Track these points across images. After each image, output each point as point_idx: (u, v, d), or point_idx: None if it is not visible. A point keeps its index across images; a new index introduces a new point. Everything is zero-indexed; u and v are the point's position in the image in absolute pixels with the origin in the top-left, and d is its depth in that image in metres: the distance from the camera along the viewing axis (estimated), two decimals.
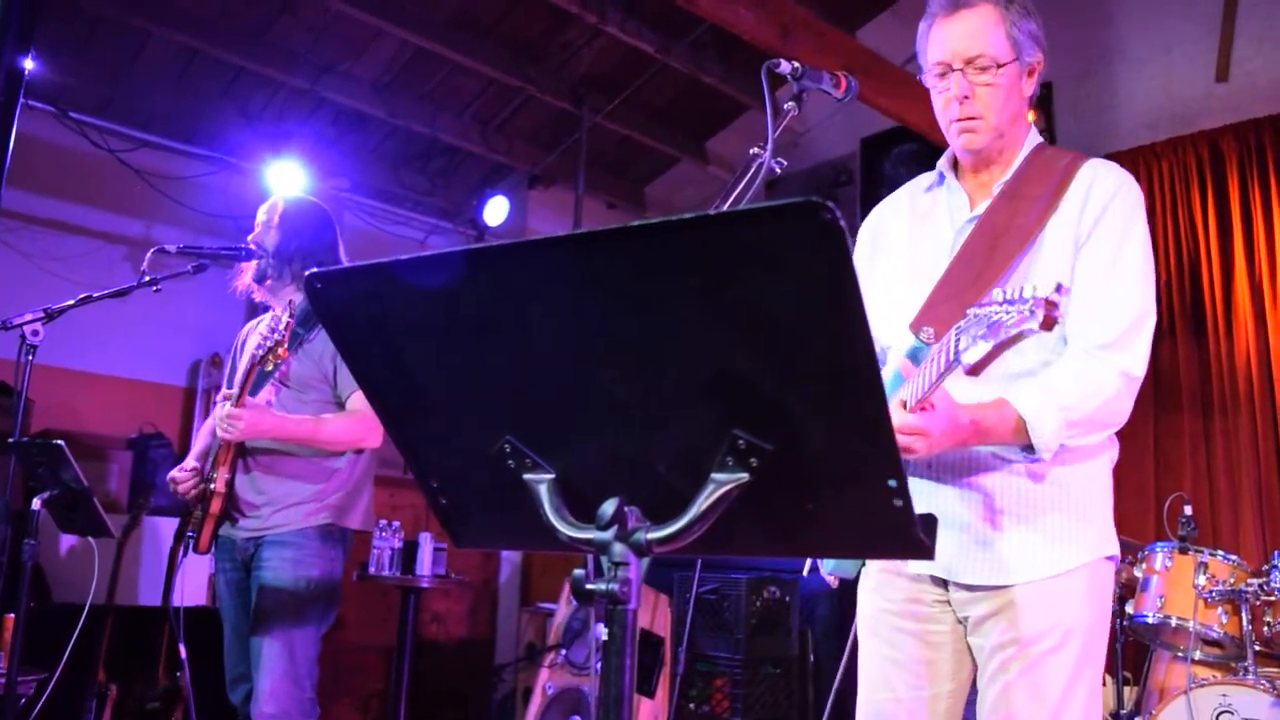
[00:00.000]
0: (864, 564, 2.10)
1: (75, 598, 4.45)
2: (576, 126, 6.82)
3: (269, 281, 3.32)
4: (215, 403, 3.14)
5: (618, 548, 1.07)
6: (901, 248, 2.15)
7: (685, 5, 4.66)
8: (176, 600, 3.39)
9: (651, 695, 4.74)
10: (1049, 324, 1.49)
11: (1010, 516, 1.91)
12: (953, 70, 1.98)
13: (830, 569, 2.15)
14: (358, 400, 3.16)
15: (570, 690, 4.90)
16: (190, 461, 3.24)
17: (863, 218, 2.31)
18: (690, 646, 4.74)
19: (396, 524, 5.16)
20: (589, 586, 1.07)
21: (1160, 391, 5.15)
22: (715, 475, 1.07)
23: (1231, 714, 3.43)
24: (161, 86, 6.13)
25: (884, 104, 5.32)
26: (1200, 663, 3.74)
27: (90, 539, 3.85)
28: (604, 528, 1.08)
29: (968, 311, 1.61)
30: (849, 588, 2.18)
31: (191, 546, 3.14)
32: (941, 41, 2.00)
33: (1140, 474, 5.02)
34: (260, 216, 3.39)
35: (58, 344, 3.53)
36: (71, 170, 5.99)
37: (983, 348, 1.57)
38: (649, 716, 4.70)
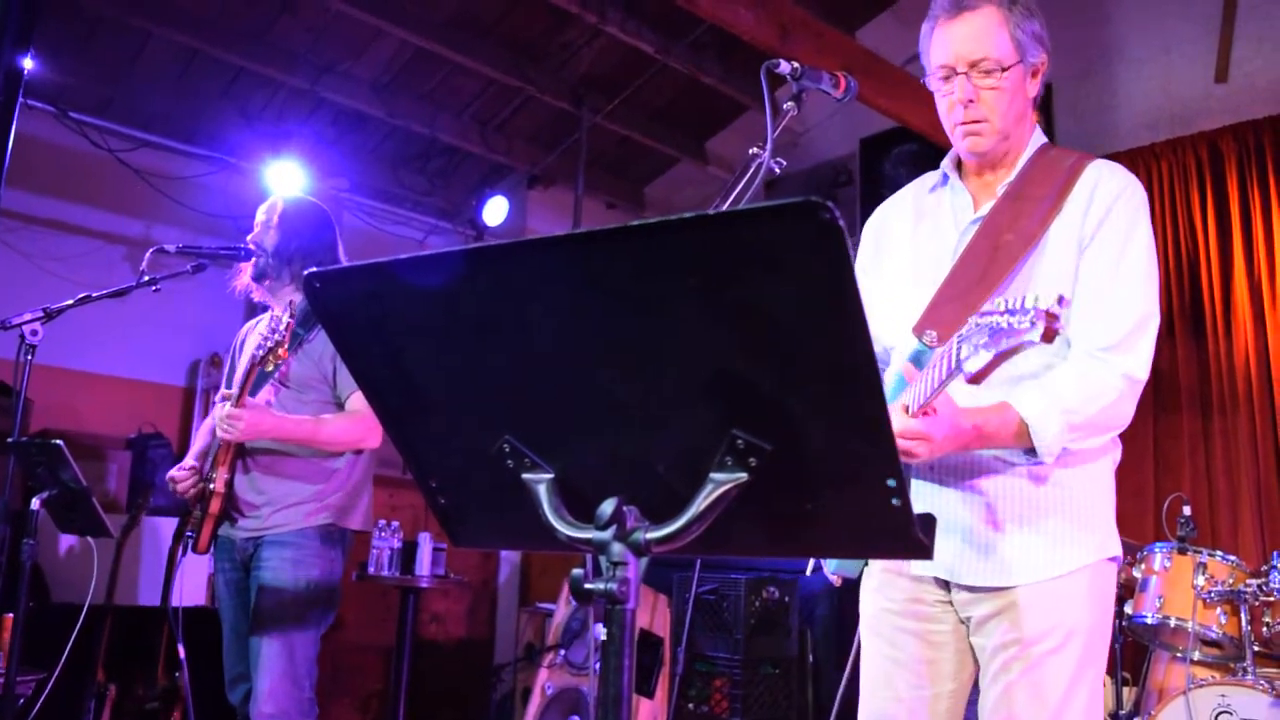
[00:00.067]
0: (867, 564, 2.10)
1: (74, 598, 4.45)
2: (576, 126, 6.82)
3: (268, 281, 3.32)
4: (214, 403, 3.13)
5: (616, 547, 1.07)
6: (904, 248, 2.15)
7: (685, 5, 4.67)
8: (175, 600, 3.39)
9: (650, 695, 4.74)
10: (1049, 336, 1.50)
11: (1012, 519, 1.91)
12: (957, 73, 1.97)
13: (833, 568, 2.15)
14: (357, 400, 3.16)
15: (569, 690, 4.90)
16: (189, 461, 3.24)
17: (862, 218, 2.31)
18: (689, 647, 4.75)
19: (396, 524, 5.16)
20: (588, 586, 1.07)
21: (1159, 392, 5.15)
22: (714, 475, 1.07)
23: (1230, 714, 3.43)
24: (161, 86, 6.13)
25: (883, 104, 5.32)
26: (1199, 663, 3.74)
27: (89, 539, 3.85)
28: (603, 527, 1.08)
29: (970, 320, 1.61)
30: (848, 588, 2.18)
31: (191, 546, 3.14)
32: (944, 44, 1.99)
33: (1139, 474, 5.03)
34: (259, 216, 3.39)
35: (57, 344, 3.54)
36: (71, 170, 5.99)
37: (984, 357, 1.57)
38: (648, 717, 4.70)
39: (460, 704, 6.39)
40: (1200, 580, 3.67)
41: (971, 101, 1.97)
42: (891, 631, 2.03)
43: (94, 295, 3.35)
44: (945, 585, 1.98)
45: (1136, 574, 3.88)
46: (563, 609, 5.22)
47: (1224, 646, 3.77)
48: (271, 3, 5.76)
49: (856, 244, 2.22)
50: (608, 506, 1.08)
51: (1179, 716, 3.50)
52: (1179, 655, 3.90)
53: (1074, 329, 1.90)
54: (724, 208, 1.73)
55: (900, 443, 1.71)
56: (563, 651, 5.03)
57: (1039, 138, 2.09)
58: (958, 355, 1.62)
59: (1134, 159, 5.34)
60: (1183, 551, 3.78)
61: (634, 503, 1.09)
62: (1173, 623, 3.72)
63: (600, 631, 1.11)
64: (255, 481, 3.15)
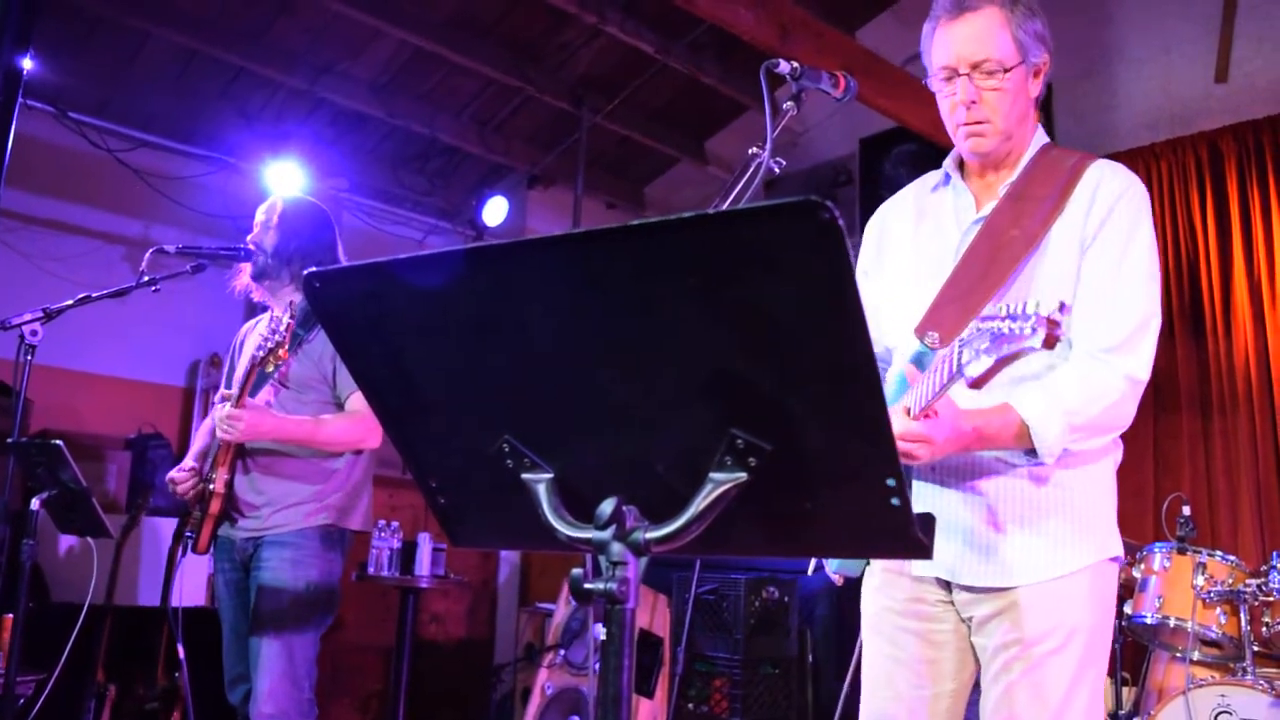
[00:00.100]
0: (868, 563, 2.10)
1: (74, 598, 4.44)
2: (575, 127, 6.82)
3: (268, 281, 3.32)
4: (214, 403, 3.13)
5: (616, 547, 1.07)
6: (906, 248, 2.15)
7: (684, 5, 4.66)
8: (175, 600, 3.39)
9: (650, 695, 4.74)
10: (1050, 343, 1.50)
11: (1013, 519, 1.91)
12: (959, 74, 1.97)
13: (835, 568, 2.15)
14: (357, 401, 3.16)
15: (569, 690, 4.90)
16: (189, 462, 3.23)
17: (862, 218, 2.32)
18: (689, 647, 4.75)
19: (395, 524, 5.16)
20: (587, 586, 1.07)
21: (1159, 392, 5.15)
22: (713, 475, 1.07)
23: (1230, 714, 3.43)
24: (160, 86, 6.12)
25: (883, 104, 5.32)
26: (1199, 663, 3.74)
27: (89, 539, 3.85)
28: (602, 527, 1.08)
29: (972, 324, 1.61)
30: (847, 589, 2.18)
31: (190, 547, 3.14)
32: (946, 45, 1.98)
33: (1139, 474, 5.03)
34: (259, 217, 3.38)
35: (56, 344, 3.53)
36: (70, 170, 5.99)
37: (985, 362, 1.58)
38: (648, 717, 4.70)
39: (460, 704, 6.39)
40: (1200, 580, 3.67)
41: (974, 103, 1.97)
42: (893, 631, 2.03)
43: (93, 295, 3.35)
44: (946, 586, 1.98)
45: (1136, 574, 3.88)
46: (562, 609, 5.22)
47: (1223, 646, 3.77)
48: (270, 3, 5.76)
49: (856, 244, 2.22)
50: (607, 506, 1.08)
51: (1178, 716, 3.50)
52: (1178, 655, 3.90)
53: (1075, 330, 1.90)
54: (723, 207, 1.74)
55: (901, 445, 1.72)
56: (562, 651, 5.03)
57: (1041, 137, 2.08)
58: (959, 360, 1.62)
59: (1134, 159, 5.33)
60: (1182, 551, 3.78)
61: (633, 502, 1.09)
62: (1172, 623, 3.72)
63: (600, 631, 1.11)
64: (255, 482, 3.15)
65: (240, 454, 3.14)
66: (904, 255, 2.15)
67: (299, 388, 3.20)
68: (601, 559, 1.08)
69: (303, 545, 3.11)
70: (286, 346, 2.98)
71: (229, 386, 3.35)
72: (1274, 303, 4.91)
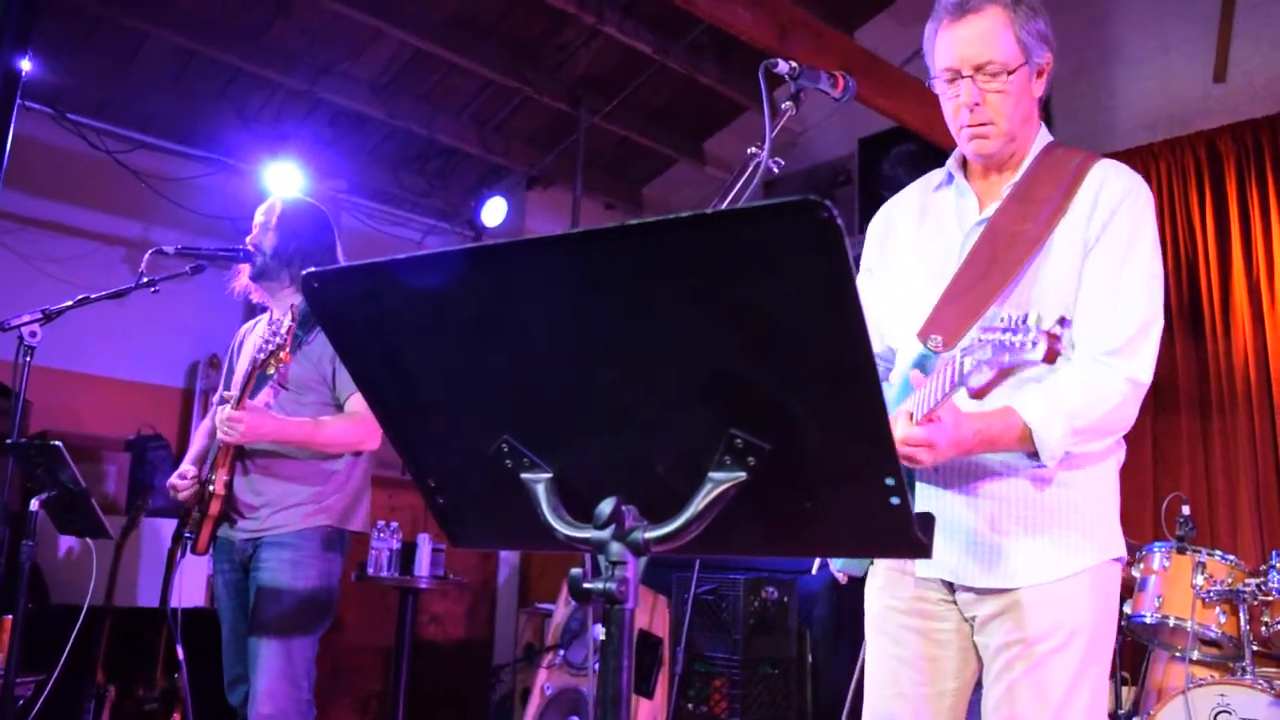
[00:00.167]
0: (872, 562, 2.10)
1: (73, 599, 4.45)
2: (574, 127, 6.82)
3: (267, 282, 3.32)
4: (213, 404, 3.13)
5: (615, 547, 1.07)
6: (908, 247, 2.14)
7: (683, 5, 4.66)
8: (175, 601, 3.39)
9: (650, 695, 4.74)
10: (1051, 358, 1.51)
11: (1016, 521, 1.91)
12: (962, 76, 1.96)
13: (839, 566, 2.16)
14: (356, 402, 3.16)
15: (568, 690, 4.90)
16: (189, 467, 3.23)
17: (861, 218, 2.32)
18: (688, 647, 4.74)
19: (395, 525, 5.15)
20: (586, 586, 1.07)
21: (1158, 392, 5.15)
22: (713, 474, 1.07)
23: (1229, 714, 3.43)
24: (159, 87, 6.13)
25: (882, 104, 5.32)
26: (1198, 663, 3.74)
27: (88, 540, 3.85)
28: (601, 527, 1.08)
29: (974, 333, 1.62)
30: (847, 590, 2.18)
31: (189, 548, 3.14)
32: (949, 47, 1.97)
33: (1138, 474, 5.03)
34: (258, 218, 3.38)
35: (56, 345, 3.54)
36: (69, 171, 5.99)
37: (987, 374, 1.60)
38: (647, 717, 4.70)
39: (459, 705, 6.39)
40: (1199, 580, 3.67)
41: (977, 105, 1.96)
42: (896, 630, 2.03)
43: (92, 297, 3.35)
44: (949, 586, 1.98)
45: (1135, 573, 3.88)
46: (562, 609, 5.22)
47: (1223, 646, 3.77)
48: (269, 3, 5.76)
49: (856, 244, 2.22)
50: (606, 506, 1.08)
51: (1178, 716, 3.50)
52: (1178, 655, 3.90)
53: (1077, 332, 1.89)
54: (722, 208, 1.74)
55: (905, 450, 1.73)
56: (562, 652, 5.02)
57: (1044, 136, 2.08)
58: (961, 369, 1.63)
59: (1132, 159, 5.31)
60: (1182, 551, 3.79)
61: (633, 502, 1.09)
62: (1172, 622, 3.72)
63: (599, 631, 1.11)
64: (254, 483, 3.15)
65: (239, 455, 3.14)
66: (906, 254, 2.14)
67: (298, 389, 3.19)
68: (600, 559, 1.08)
69: (301, 546, 3.11)
70: (288, 349, 2.98)
71: (228, 387, 3.35)
72: (1273, 302, 4.91)
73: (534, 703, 5.01)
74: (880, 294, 2.15)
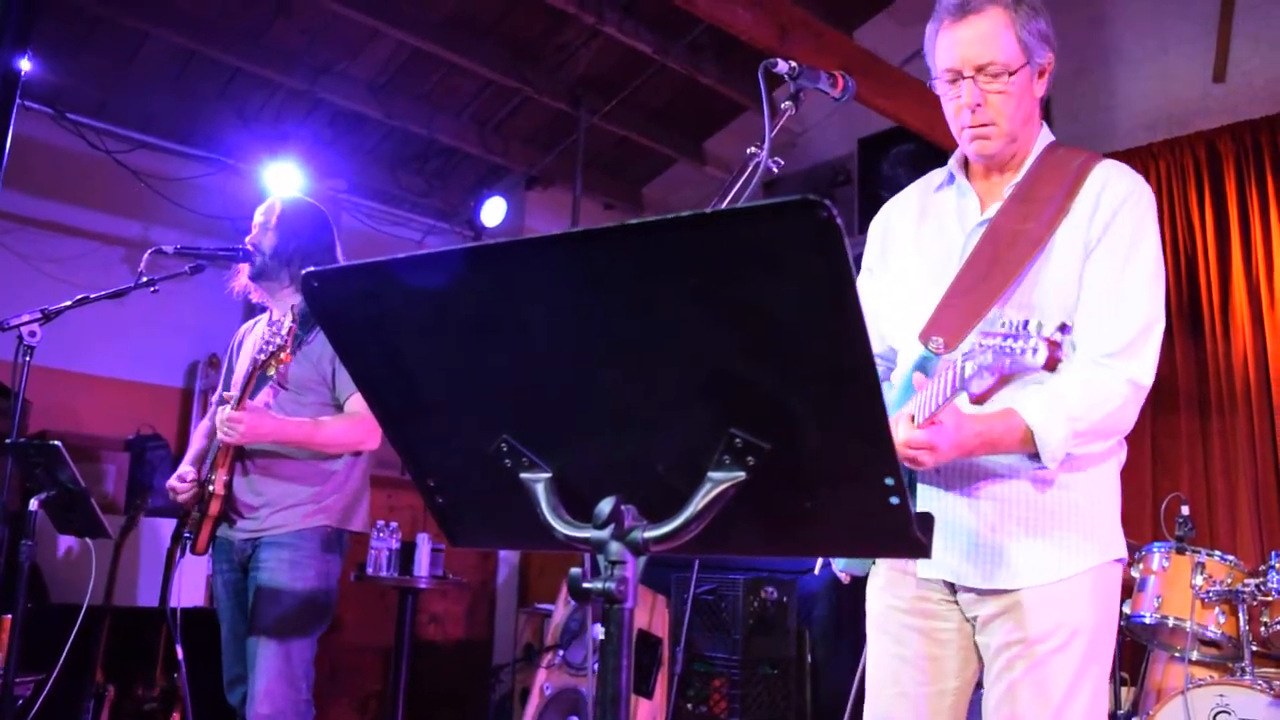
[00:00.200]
0: (874, 562, 2.10)
1: (73, 598, 4.44)
2: (574, 127, 6.82)
3: (266, 282, 3.32)
4: (212, 404, 3.13)
5: (614, 546, 1.07)
6: (909, 247, 2.14)
7: (683, 5, 4.66)
8: (174, 601, 3.39)
9: (649, 696, 4.74)
10: (1052, 365, 1.51)
11: (1018, 522, 1.91)
12: (963, 77, 1.96)
13: (842, 566, 2.16)
14: (356, 402, 3.16)
15: (568, 691, 4.90)
16: (188, 469, 3.22)
17: (860, 218, 2.32)
18: (688, 647, 4.74)
19: (394, 525, 5.16)
20: (586, 585, 1.07)
21: (1158, 392, 5.10)
22: (712, 474, 1.07)
23: (1229, 714, 3.43)
24: (159, 87, 6.12)
25: (881, 104, 5.32)
26: (1197, 663, 3.74)
27: (87, 540, 3.85)
28: (600, 526, 1.08)
29: (975, 337, 1.62)
30: (846, 590, 2.18)
31: (189, 548, 3.14)
32: (950, 48, 1.97)
33: (1138, 474, 5.03)
34: (257, 218, 3.38)
35: (55, 345, 3.54)
36: (68, 171, 5.99)
37: (988, 379, 1.60)
38: (647, 717, 4.70)
39: (459, 705, 6.39)
40: (1198, 580, 3.67)
41: (979, 105, 1.96)
42: (898, 629, 2.03)
43: (92, 296, 3.35)
44: (951, 586, 1.99)
45: (1135, 574, 3.88)
46: (561, 609, 5.22)
47: (1222, 646, 3.77)
48: (269, 3, 5.76)
49: (855, 244, 2.21)
50: (605, 505, 1.08)
51: (1177, 716, 3.50)
52: (1177, 655, 3.90)
53: (1078, 334, 1.89)
54: (722, 207, 1.74)
55: (907, 452, 1.74)
56: (561, 652, 5.02)
57: (1046, 136, 2.08)
58: (963, 374, 1.63)
59: (1131, 159, 5.30)
60: (1181, 551, 3.79)
61: (632, 502, 1.09)
62: (1171, 622, 3.72)
63: (598, 631, 1.11)
64: (253, 483, 3.15)
65: (239, 456, 3.14)
66: (907, 254, 2.14)
67: (298, 389, 3.19)
68: (600, 558, 1.08)
69: (300, 547, 3.11)
70: (289, 350, 2.98)
71: (227, 387, 3.35)
72: (1272, 303, 4.91)
73: (533, 703, 5.01)
74: (881, 294, 2.15)
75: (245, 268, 3.33)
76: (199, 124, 6.29)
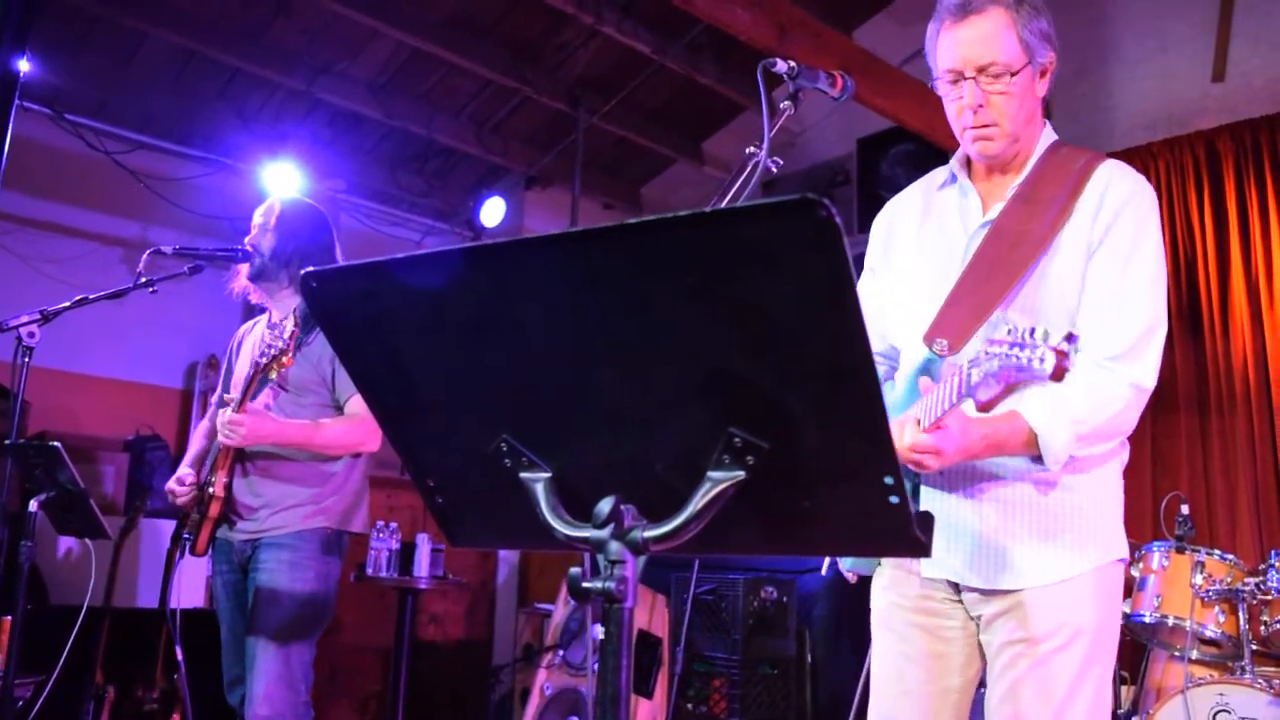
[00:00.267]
0: (880, 562, 2.11)
1: (73, 599, 4.45)
2: (573, 127, 6.82)
3: (265, 283, 3.32)
4: (212, 405, 3.13)
5: (614, 546, 1.07)
6: (911, 247, 2.14)
7: (682, 6, 4.66)
8: (174, 602, 3.39)
9: (649, 695, 4.74)
10: (1059, 375, 1.50)
11: (1021, 524, 1.92)
12: (965, 78, 1.95)
13: (849, 566, 2.16)
14: (356, 404, 3.16)
15: (568, 691, 4.90)
16: (187, 471, 3.22)
17: (860, 218, 2.32)
18: (688, 647, 4.74)
19: (394, 525, 5.15)
20: (586, 585, 1.07)
21: (1157, 391, 5.10)
22: (711, 473, 1.07)
23: (1229, 713, 3.43)
24: (158, 88, 6.12)
25: (880, 104, 5.31)
26: (1197, 662, 3.74)
27: (87, 541, 3.85)
28: (600, 526, 1.08)
29: (981, 344, 1.61)
30: (846, 590, 2.18)
31: (188, 549, 3.14)
32: (952, 48, 1.96)
33: (1137, 474, 5.03)
34: (256, 218, 3.38)
35: (54, 346, 3.54)
36: (67, 172, 5.98)
37: (994, 388, 1.60)
38: (647, 717, 4.70)
39: (459, 705, 6.39)
40: (1198, 579, 3.67)
41: (981, 106, 1.95)
42: (903, 627, 2.04)
43: (91, 297, 3.35)
44: (955, 586, 1.99)
45: (1135, 573, 3.89)
46: (561, 609, 5.22)
47: (1222, 645, 3.77)
48: (268, 3, 5.76)
49: (854, 244, 2.20)
50: (605, 505, 1.08)
51: (1177, 715, 3.50)
52: (1177, 654, 3.90)
53: (1081, 335, 1.89)
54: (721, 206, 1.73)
55: (912, 455, 1.75)
56: (561, 652, 5.02)
57: (1049, 135, 2.07)
58: (969, 381, 1.63)
59: (1131, 159, 5.26)
60: (1181, 550, 3.79)
61: (631, 501, 1.09)
62: (1171, 621, 3.72)
63: (598, 631, 1.11)
64: (253, 484, 3.15)
65: (239, 457, 3.14)
66: (909, 254, 2.14)
67: (298, 390, 3.19)
68: (600, 558, 1.08)
69: (300, 548, 3.11)
70: (290, 354, 2.97)
71: (227, 389, 3.35)
72: (1272, 302, 4.91)
73: (533, 703, 5.01)
74: (883, 293, 2.15)
75: (244, 268, 3.33)
76: (198, 124, 6.29)
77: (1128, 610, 3.81)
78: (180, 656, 3.31)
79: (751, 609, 4.72)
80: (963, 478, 1.95)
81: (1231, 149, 5.15)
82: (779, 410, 1.04)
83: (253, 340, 3.36)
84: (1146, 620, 3.77)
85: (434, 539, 5.21)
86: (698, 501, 1.06)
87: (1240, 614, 3.58)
